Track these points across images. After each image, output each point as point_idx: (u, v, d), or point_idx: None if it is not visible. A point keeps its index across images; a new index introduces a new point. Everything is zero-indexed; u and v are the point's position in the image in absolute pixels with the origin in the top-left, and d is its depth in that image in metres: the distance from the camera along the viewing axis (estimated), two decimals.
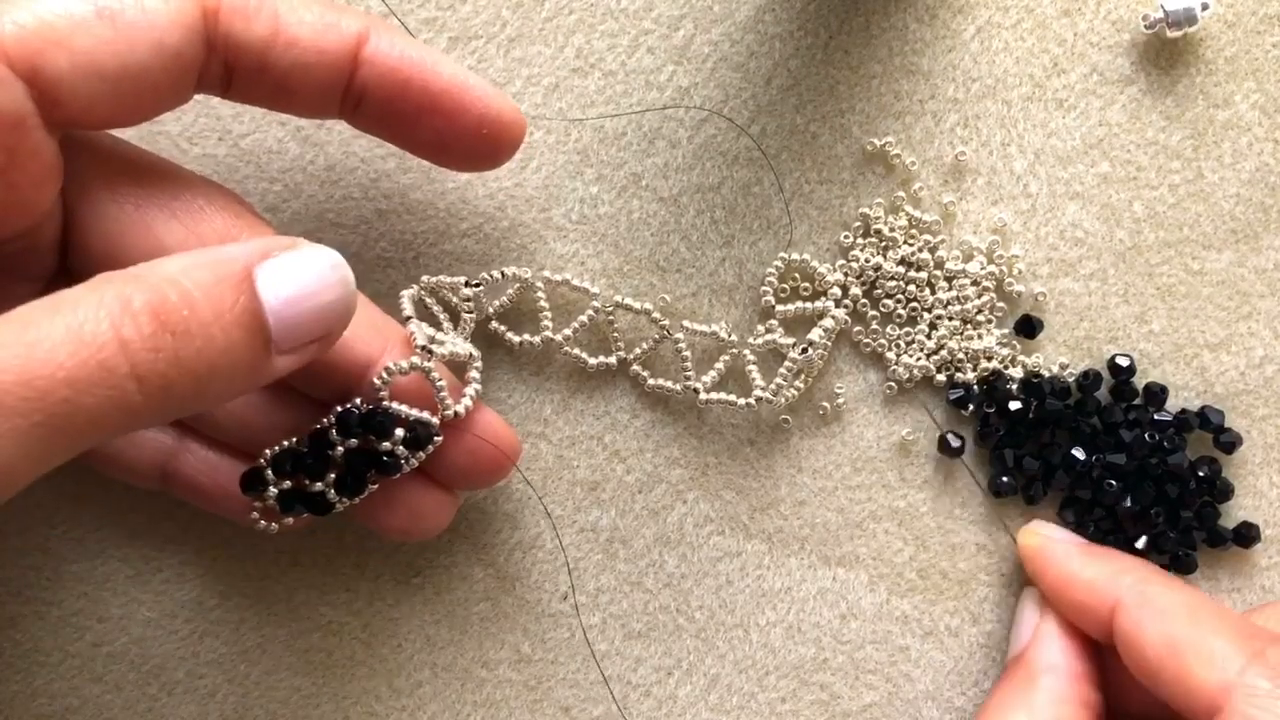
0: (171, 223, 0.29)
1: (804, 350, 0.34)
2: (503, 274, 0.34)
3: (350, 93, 0.29)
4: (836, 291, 0.35)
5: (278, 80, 0.28)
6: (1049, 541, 0.34)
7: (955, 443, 0.35)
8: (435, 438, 0.31)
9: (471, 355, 0.32)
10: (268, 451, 0.30)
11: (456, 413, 0.31)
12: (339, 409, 0.30)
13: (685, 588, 0.35)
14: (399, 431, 0.30)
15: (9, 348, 0.21)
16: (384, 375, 0.30)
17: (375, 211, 0.34)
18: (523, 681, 0.35)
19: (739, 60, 0.35)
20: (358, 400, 0.30)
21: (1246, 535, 0.35)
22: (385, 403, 0.30)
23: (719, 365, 0.35)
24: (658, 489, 0.35)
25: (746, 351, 0.34)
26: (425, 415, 0.30)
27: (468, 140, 0.30)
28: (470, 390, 0.32)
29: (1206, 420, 0.35)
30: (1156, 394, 0.35)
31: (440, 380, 0.30)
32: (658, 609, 0.35)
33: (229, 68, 0.28)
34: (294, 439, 0.30)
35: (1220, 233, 0.36)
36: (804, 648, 0.36)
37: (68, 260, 0.29)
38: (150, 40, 0.26)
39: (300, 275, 0.25)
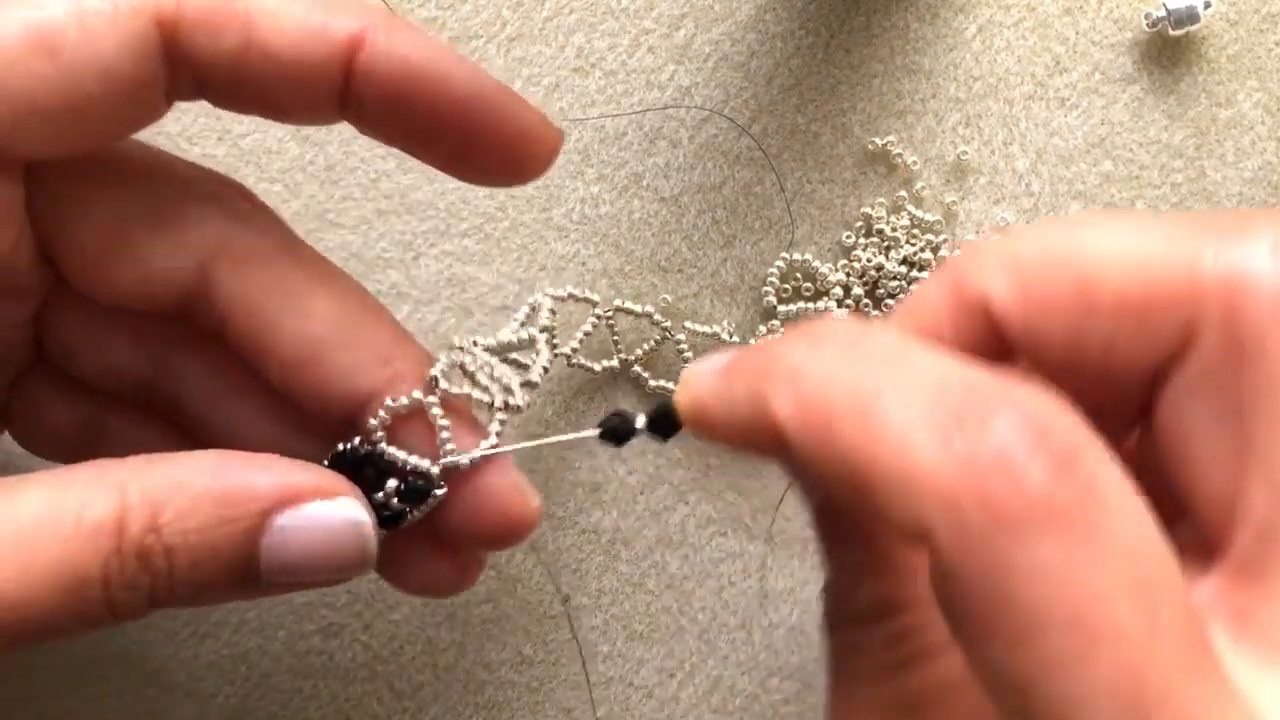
0: (156, 238, 0.26)
1: None
2: (530, 307, 0.30)
3: (347, 102, 0.25)
4: (839, 291, 0.35)
5: (257, 93, 0.25)
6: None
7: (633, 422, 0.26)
8: (436, 490, 0.26)
9: (508, 403, 0.27)
10: None
11: (459, 464, 0.26)
12: (335, 450, 0.26)
13: (687, 589, 0.35)
14: (391, 483, 0.26)
15: (8, 558, 0.21)
16: (381, 414, 0.26)
17: (375, 211, 0.34)
18: (524, 683, 0.35)
19: (740, 60, 0.35)
20: (356, 440, 0.26)
21: None
22: (381, 446, 0.26)
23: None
24: (659, 490, 0.35)
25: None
26: (425, 464, 0.26)
27: (485, 158, 0.26)
28: (486, 442, 0.27)
29: None
30: None
31: (443, 421, 0.26)
32: (660, 610, 0.35)
33: (200, 82, 0.25)
34: None
35: None
36: (807, 650, 0.35)
37: (61, 270, 0.27)
38: (96, 71, 0.23)
39: (315, 538, 0.24)
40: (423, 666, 0.35)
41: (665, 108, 0.35)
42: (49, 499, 0.22)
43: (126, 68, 0.23)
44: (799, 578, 0.35)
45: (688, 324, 0.34)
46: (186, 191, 0.26)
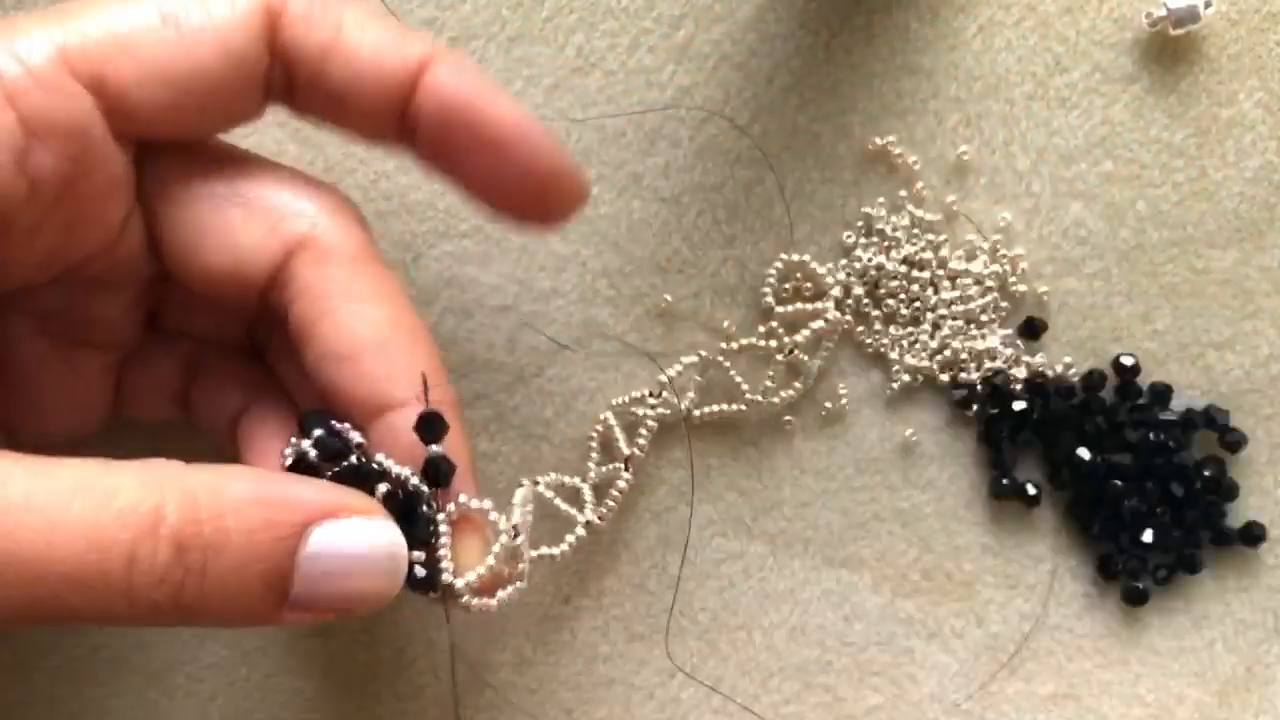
0: (251, 223, 0.28)
1: (790, 351, 0.34)
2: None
3: (406, 120, 0.28)
4: (838, 292, 0.35)
5: (332, 93, 0.27)
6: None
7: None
8: (439, 519, 0.27)
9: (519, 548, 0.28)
10: None
11: (453, 586, 0.26)
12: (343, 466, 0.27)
13: (688, 590, 0.35)
14: (382, 487, 0.26)
15: (34, 515, 0.22)
16: (450, 508, 0.27)
17: (375, 213, 0.34)
18: (525, 684, 0.35)
19: (740, 59, 0.35)
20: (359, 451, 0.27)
21: (1252, 534, 0.35)
22: (380, 458, 0.27)
23: (697, 378, 0.34)
24: (660, 491, 0.35)
25: (722, 359, 0.34)
26: (413, 478, 0.26)
27: (512, 191, 0.28)
28: (484, 562, 0.27)
29: (1212, 419, 0.35)
30: (1161, 393, 0.35)
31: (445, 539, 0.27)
32: (661, 611, 0.35)
33: (288, 76, 0.27)
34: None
35: (1224, 231, 0.35)
36: (808, 650, 0.35)
37: (163, 263, 0.29)
38: (215, 43, 0.26)
39: (351, 552, 0.24)
40: (424, 668, 0.35)
41: (665, 108, 0.35)
42: (88, 474, 0.23)
43: (240, 46, 0.26)
44: (799, 578, 0.35)
45: (723, 345, 0.34)
46: (283, 183, 0.29)
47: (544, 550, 0.30)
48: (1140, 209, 0.35)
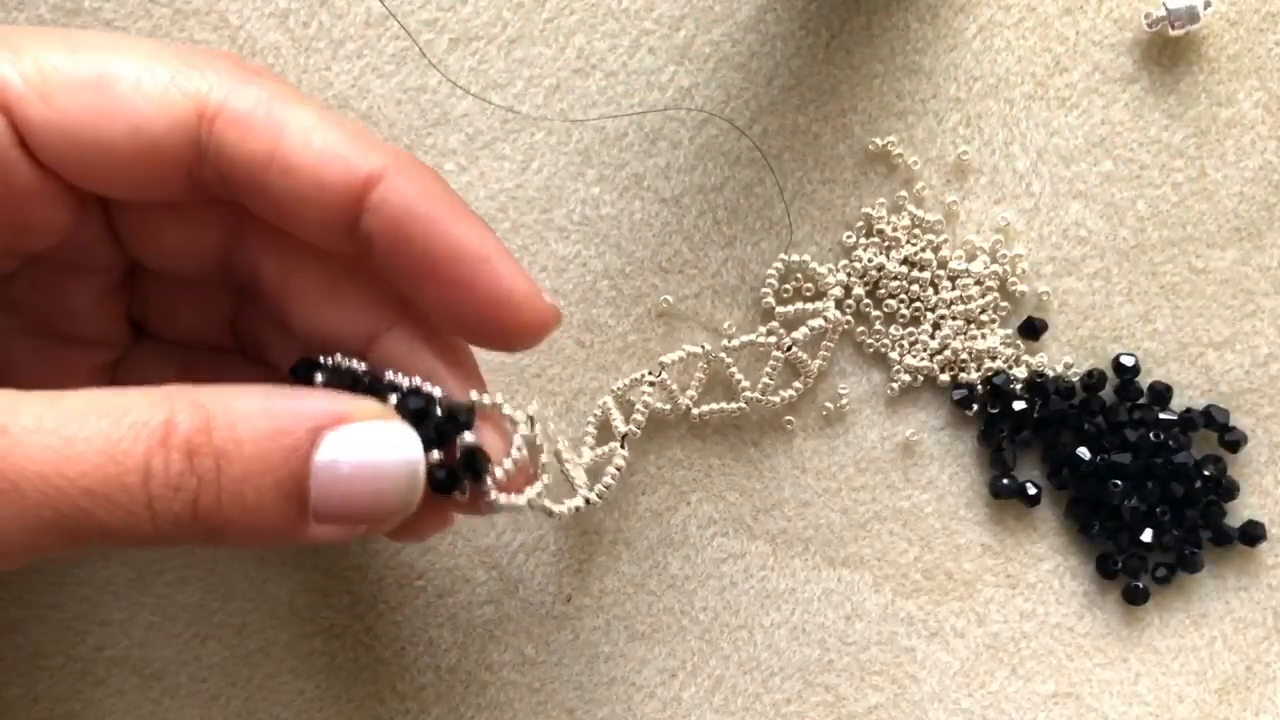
0: (142, 93, 0.25)
1: (788, 348, 0.34)
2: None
3: (358, 235, 0.26)
4: (838, 292, 0.35)
5: (273, 204, 0.26)
6: None
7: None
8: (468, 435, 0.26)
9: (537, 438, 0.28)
10: None
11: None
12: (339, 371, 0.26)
13: (689, 589, 0.35)
14: (393, 398, 0.26)
15: (48, 436, 0.22)
16: (472, 399, 0.26)
17: None
18: (526, 684, 0.35)
19: (740, 60, 0.35)
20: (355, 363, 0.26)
21: (1252, 534, 0.35)
22: (391, 375, 0.26)
23: (699, 375, 0.35)
24: (661, 490, 0.35)
25: (723, 355, 0.34)
26: (433, 389, 0.26)
27: (473, 318, 0.27)
28: (508, 460, 0.27)
29: (1211, 419, 0.35)
30: (1161, 393, 0.35)
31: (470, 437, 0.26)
32: (662, 611, 0.35)
33: (224, 179, 0.26)
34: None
35: (1224, 231, 0.35)
36: (809, 649, 0.35)
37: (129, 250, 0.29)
38: (129, 121, 0.25)
39: (366, 453, 0.24)
40: (425, 668, 0.35)
41: (666, 109, 0.35)
42: (97, 397, 0.23)
43: (154, 133, 0.25)
44: (800, 578, 0.35)
45: (724, 342, 0.34)
46: (171, 57, 0.26)
47: (546, 503, 0.29)
48: (1140, 209, 0.35)
